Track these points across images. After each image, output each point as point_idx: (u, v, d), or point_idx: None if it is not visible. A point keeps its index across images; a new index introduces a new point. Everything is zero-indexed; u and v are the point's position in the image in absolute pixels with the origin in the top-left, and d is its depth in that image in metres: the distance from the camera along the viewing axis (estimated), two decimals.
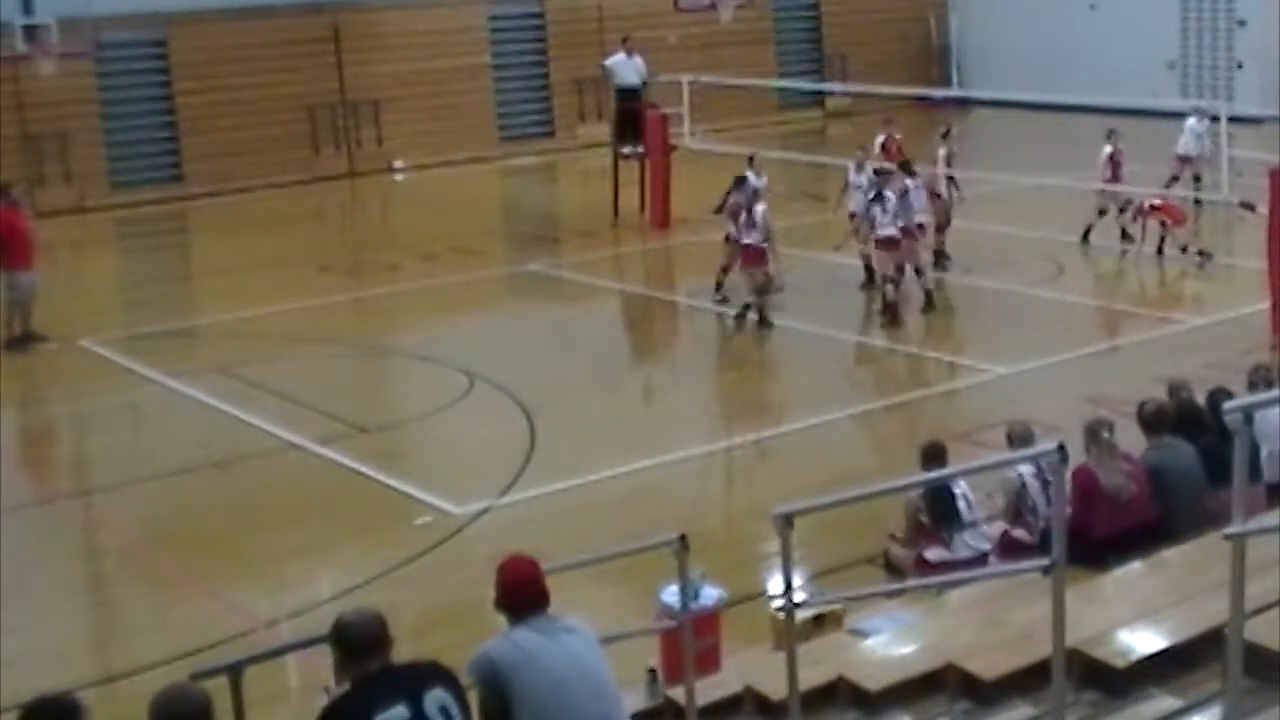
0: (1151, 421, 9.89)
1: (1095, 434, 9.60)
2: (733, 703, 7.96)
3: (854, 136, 29.40)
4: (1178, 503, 9.45)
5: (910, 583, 10.37)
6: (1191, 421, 10.00)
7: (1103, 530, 9.26)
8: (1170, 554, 8.69)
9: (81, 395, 17.31)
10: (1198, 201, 22.06)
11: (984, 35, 36.16)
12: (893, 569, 10.19)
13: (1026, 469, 9.56)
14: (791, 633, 7.02)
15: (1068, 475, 9.30)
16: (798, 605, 7.46)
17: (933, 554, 9.64)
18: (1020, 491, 9.61)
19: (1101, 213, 20.86)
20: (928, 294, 18.31)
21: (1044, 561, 5.86)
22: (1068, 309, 18.38)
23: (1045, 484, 9.53)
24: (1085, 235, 20.95)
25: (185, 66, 29.46)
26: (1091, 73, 30.94)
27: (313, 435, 14.85)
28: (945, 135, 21.06)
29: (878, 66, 34.62)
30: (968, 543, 9.65)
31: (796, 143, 30.91)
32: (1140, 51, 32.21)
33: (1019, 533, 9.61)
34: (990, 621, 7.96)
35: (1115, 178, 20.71)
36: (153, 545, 12.87)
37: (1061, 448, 5.76)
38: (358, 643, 5.43)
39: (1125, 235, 20.54)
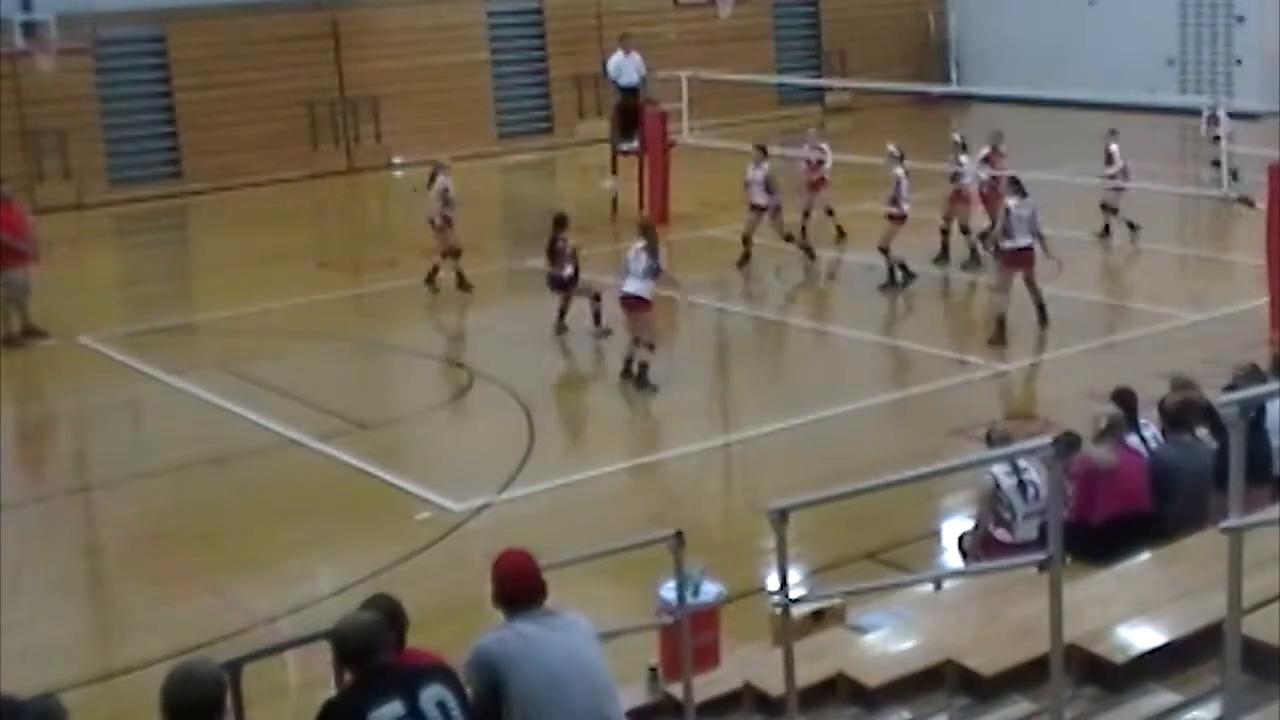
0: (1174, 417, 9.87)
1: (1105, 432, 9.60)
2: (732, 699, 7.96)
3: (853, 132, 29.45)
4: (1180, 503, 9.44)
5: (906, 577, 10.41)
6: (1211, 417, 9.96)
7: (1105, 513, 9.27)
8: (1169, 549, 8.69)
9: (81, 392, 17.30)
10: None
11: (983, 31, 36.15)
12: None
13: (1000, 470, 9.56)
14: (788, 628, 7.03)
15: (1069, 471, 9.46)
16: (794, 601, 7.47)
17: (999, 534, 9.64)
18: (995, 492, 9.61)
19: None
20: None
21: (1040, 556, 5.87)
22: (1068, 304, 18.37)
23: (1021, 484, 9.55)
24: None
25: (184, 62, 29.45)
26: (1090, 69, 30.93)
27: (312, 431, 14.86)
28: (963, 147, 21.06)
29: (877, 62, 34.61)
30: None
31: (796, 139, 30.86)
32: (1139, 47, 32.20)
33: (999, 533, 9.62)
34: (989, 617, 7.96)
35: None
36: (152, 541, 12.89)
37: (1060, 440, 5.76)
38: (352, 650, 5.48)
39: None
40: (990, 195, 20.11)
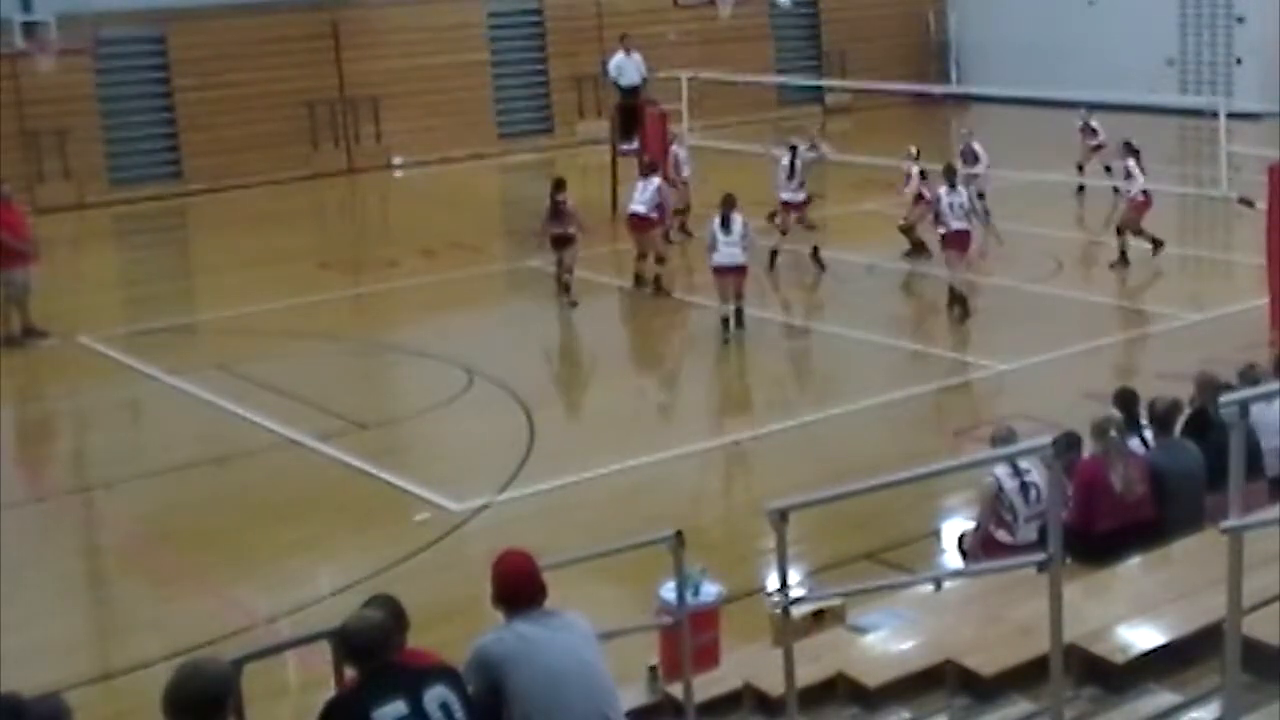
0: (1163, 419, 9.88)
1: (1104, 431, 9.59)
2: (732, 699, 7.96)
3: (853, 132, 29.44)
4: (1177, 506, 9.45)
5: (906, 577, 10.41)
6: (1201, 417, 9.99)
7: (1106, 526, 9.27)
8: (1169, 550, 8.70)
9: (81, 392, 17.31)
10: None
11: (982, 31, 36.15)
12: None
13: (1002, 471, 9.56)
14: (787, 629, 7.02)
15: (1072, 469, 9.46)
16: (794, 601, 7.47)
17: (1000, 535, 9.64)
18: (997, 494, 9.61)
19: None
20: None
21: (1040, 557, 5.87)
22: (1067, 304, 18.40)
23: (1023, 486, 9.54)
24: None
25: (184, 63, 29.45)
26: (1090, 69, 30.92)
27: (312, 431, 14.86)
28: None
29: (877, 62, 34.60)
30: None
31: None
32: (1139, 48, 32.20)
33: (1000, 534, 9.62)
34: (989, 617, 7.97)
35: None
36: (152, 541, 12.88)
37: (1060, 441, 5.76)
38: (359, 647, 5.49)
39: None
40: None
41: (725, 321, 17.60)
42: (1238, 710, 5.60)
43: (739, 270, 17.51)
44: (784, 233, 20.42)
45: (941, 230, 18.21)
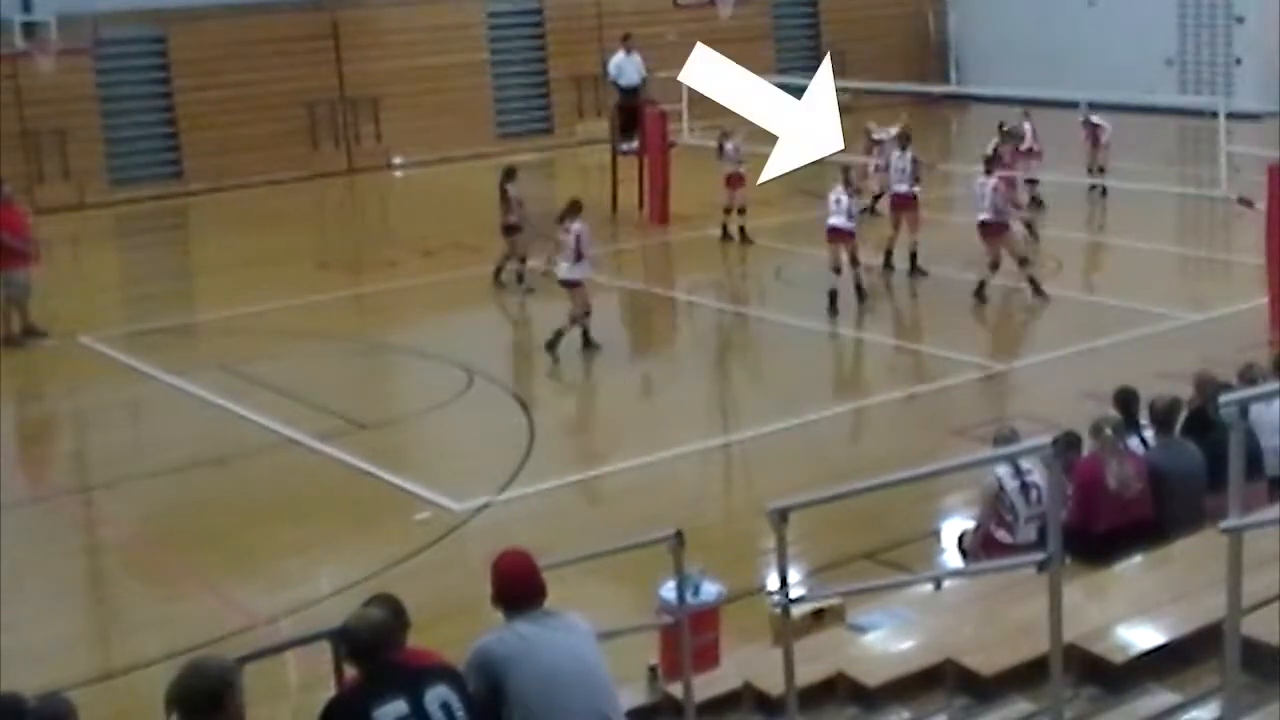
0: (1164, 419, 9.89)
1: (1100, 430, 9.61)
2: (732, 699, 7.97)
3: (852, 133, 29.36)
4: (1176, 506, 9.46)
5: (906, 577, 10.41)
6: (1200, 417, 10.00)
7: (1105, 525, 9.28)
8: (1169, 550, 8.70)
9: (81, 391, 17.31)
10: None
11: (982, 31, 36.14)
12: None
13: (1004, 471, 9.57)
14: (787, 628, 7.03)
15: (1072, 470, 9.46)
16: (794, 601, 7.47)
17: (1000, 535, 9.65)
18: (999, 494, 9.62)
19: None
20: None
21: (1039, 556, 5.87)
22: (1066, 305, 18.39)
23: (1024, 486, 9.55)
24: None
25: (184, 63, 29.46)
26: (1090, 69, 30.91)
27: (312, 431, 14.86)
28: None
29: (876, 62, 34.56)
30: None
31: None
32: (1138, 48, 32.18)
33: (1000, 534, 9.63)
34: (989, 617, 7.97)
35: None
36: (152, 541, 12.89)
37: (1060, 440, 5.76)
38: (359, 646, 5.49)
39: None
40: None
41: (584, 336, 17.03)
42: (1238, 710, 5.60)
43: (568, 285, 16.91)
44: (897, 228, 19.99)
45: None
